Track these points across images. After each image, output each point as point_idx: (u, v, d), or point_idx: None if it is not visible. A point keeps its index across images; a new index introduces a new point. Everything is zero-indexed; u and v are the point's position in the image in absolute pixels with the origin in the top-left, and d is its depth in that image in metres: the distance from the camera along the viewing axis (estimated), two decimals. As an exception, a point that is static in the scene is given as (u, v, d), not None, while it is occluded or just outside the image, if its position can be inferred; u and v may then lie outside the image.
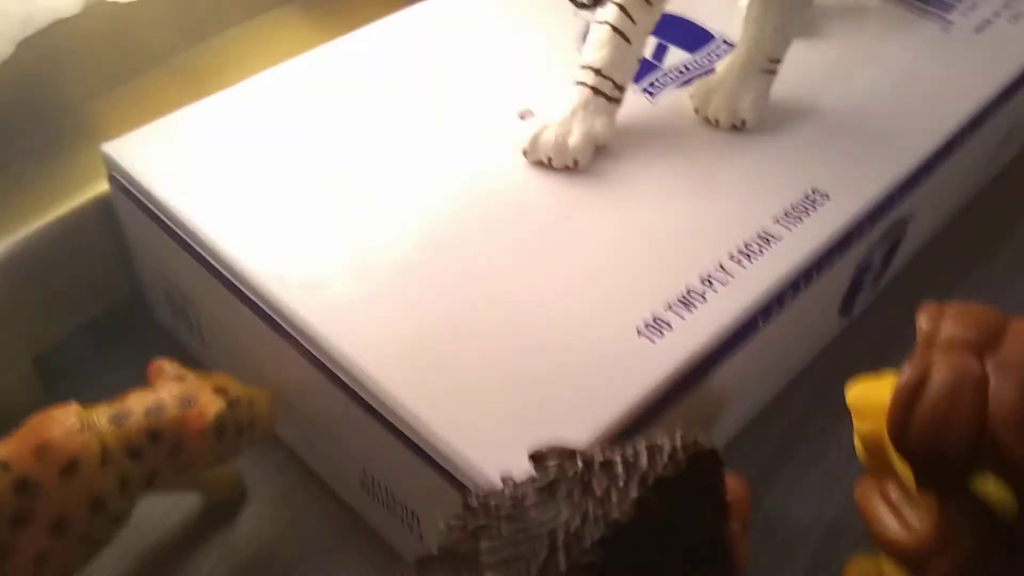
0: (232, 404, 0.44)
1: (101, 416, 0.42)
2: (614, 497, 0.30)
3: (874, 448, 0.38)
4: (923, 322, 0.37)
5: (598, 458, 0.32)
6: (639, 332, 0.43)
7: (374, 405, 0.42)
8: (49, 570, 0.40)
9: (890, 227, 0.55)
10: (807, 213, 0.49)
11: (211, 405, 0.43)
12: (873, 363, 0.39)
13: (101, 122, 0.56)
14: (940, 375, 0.34)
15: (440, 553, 0.31)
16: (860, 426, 0.38)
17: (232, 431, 0.44)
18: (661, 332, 0.43)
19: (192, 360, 0.55)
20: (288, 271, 0.45)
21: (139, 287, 0.58)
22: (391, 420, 0.41)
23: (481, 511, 0.31)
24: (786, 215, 0.49)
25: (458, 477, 0.39)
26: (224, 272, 0.47)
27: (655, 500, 0.30)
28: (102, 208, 0.54)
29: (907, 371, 0.35)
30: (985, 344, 0.35)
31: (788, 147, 0.53)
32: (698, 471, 0.32)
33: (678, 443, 0.31)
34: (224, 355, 0.53)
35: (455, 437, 0.39)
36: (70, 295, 0.55)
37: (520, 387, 0.41)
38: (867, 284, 0.58)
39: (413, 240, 0.47)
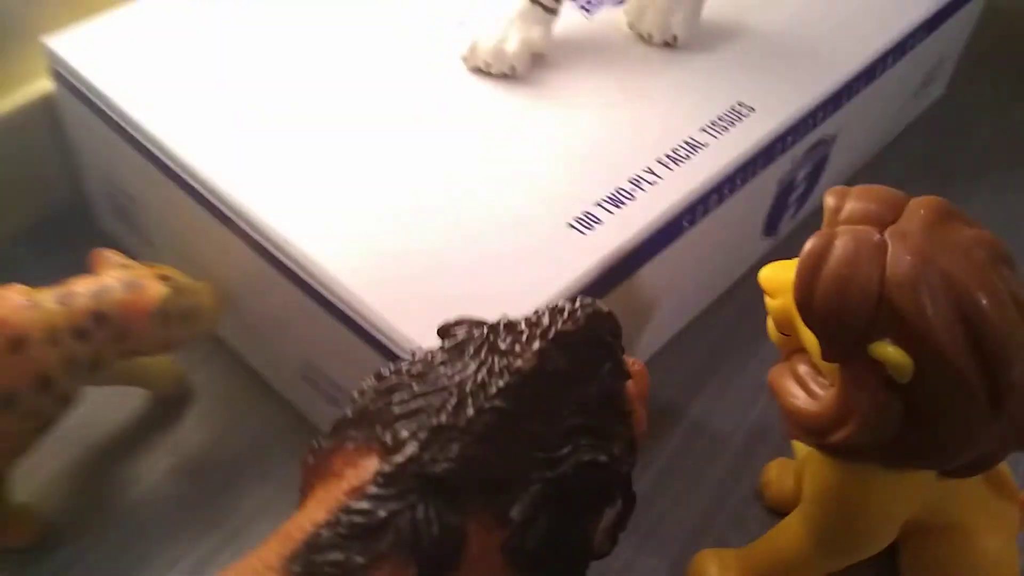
0: (177, 291, 0.46)
1: (47, 297, 0.43)
2: (517, 350, 0.32)
3: (784, 324, 0.40)
4: (829, 200, 0.39)
5: (503, 321, 0.34)
6: (570, 225, 0.46)
7: (319, 290, 0.43)
8: None
9: (813, 146, 0.57)
10: (733, 124, 0.51)
11: (156, 290, 0.44)
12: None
13: (42, 15, 0.55)
14: (842, 242, 0.36)
15: (353, 415, 0.32)
16: (771, 303, 0.41)
17: (176, 318, 0.46)
18: (591, 226, 0.46)
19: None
20: (234, 165, 0.47)
21: (82, 191, 0.59)
22: (335, 304, 0.43)
23: (392, 375, 0.33)
24: (713, 125, 0.51)
25: (396, 352, 0.41)
26: (172, 167, 0.48)
27: (556, 353, 0.32)
28: (43, 108, 0.54)
29: (812, 240, 0.37)
30: (885, 217, 0.37)
31: (717, 62, 0.55)
32: (596, 330, 0.34)
33: (577, 304, 0.34)
34: (169, 256, 0.53)
35: (396, 318, 0.41)
36: (9, 199, 0.55)
37: (459, 273, 0.44)
38: (791, 204, 0.61)
39: (356, 137, 0.49)
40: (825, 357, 0.37)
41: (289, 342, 0.48)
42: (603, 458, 0.32)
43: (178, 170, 0.47)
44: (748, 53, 0.57)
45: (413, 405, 0.31)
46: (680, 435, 0.54)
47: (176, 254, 0.53)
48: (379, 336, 0.42)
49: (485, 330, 0.33)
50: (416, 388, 0.32)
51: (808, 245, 0.36)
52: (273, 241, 0.44)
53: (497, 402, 0.31)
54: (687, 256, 0.51)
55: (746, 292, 0.60)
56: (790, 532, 0.44)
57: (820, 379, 0.39)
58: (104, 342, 0.43)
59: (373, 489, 0.29)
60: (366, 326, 0.42)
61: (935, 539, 0.44)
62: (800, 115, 0.53)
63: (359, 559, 0.28)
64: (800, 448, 0.44)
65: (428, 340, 0.39)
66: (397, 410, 0.31)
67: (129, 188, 0.53)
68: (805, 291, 0.36)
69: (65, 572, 0.46)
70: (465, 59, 0.53)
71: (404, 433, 0.30)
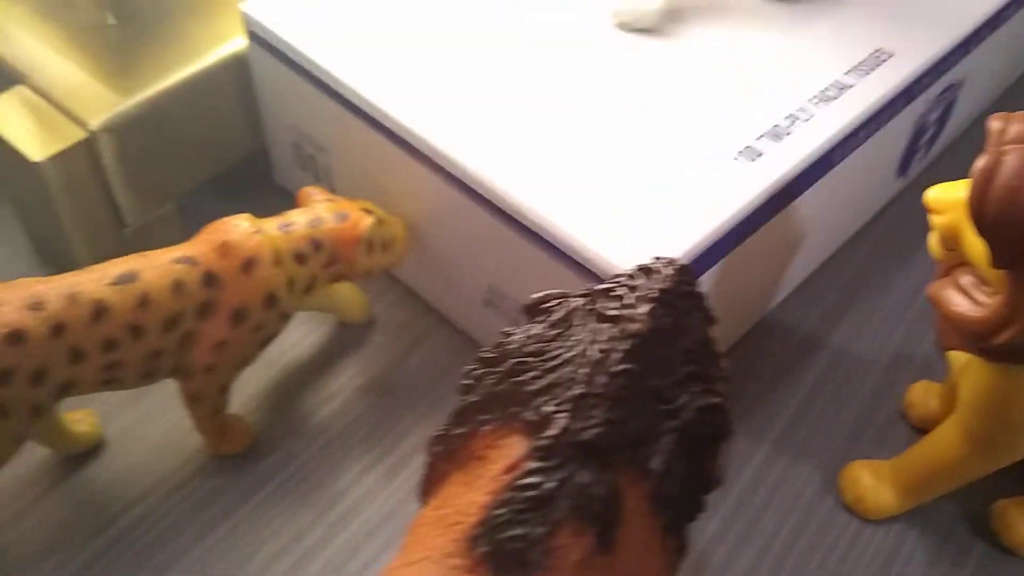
0: (379, 221, 0.51)
1: (271, 224, 0.48)
2: (628, 314, 0.35)
3: (949, 239, 0.44)
4: (994, 124, 0.42)
5: (598, 289, 0.37)
6: (735, 158, 0.50)
7: (512, 215, 0.48)
8: (226, 357, 0.47)
9: (944, 89, 0.60)
10: (874, 68, 0.55)
11: (363, 219, 0.50)
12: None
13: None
14: (1010, 158, 0.40)
15: (480, 399, 0.35)
16: (937, 220, 0.44)
17: (378, 245, 0.51)
18: (754, 159, 0.50)
19: None
20: (422, 105, 0.52)
21: (262, 145, 0.64)
22: (528, 225, 0.48)
23: (505, 357, 0.36)
24: (856, 68, 0.55)
25: (589, 268, 0.46)
26: (365, 110, 0.53)
27: (661, 311, 0.35)
28: (232, 68, 0.59)
29: (982, 158, 0.40)
30: (1050, 137, 0.41)
31: (854, 11, 0.58)
32: (686, 284, 0.37)
33: (665, 262, 0.37)
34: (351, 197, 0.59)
35: (583, 233, 0.46)
36: (197, 152, 0.61)
37: (636, 196, 0.48)
38: (922, 146, 0.64)
39: (539, 73, 0.54)
40: (995, 264, 0.41)
41: (475, 269, 0.53)
42: (715, 400, 0.35)
43: (370, 112, 0.52)
44: (881, 2, 0.60)
45: (546, 381, 0.34)
46: (822, 363, 0.57)
47: (358, 195, 0.57)
48: (568, 251, 0.46)
49: (584, 301, 0.36)
50: (541, 365, 0.34)
51: (980, 162, 0.40)
52: (464, 170, 0.49)
53: (624, 365, 0.34)
54: (833, 191, 0.55)
55: (879, 231, 0.64)
56: (944, 438, 0.48)
57: (984, 288, 0.43)
58: (318, 266, 0.49)
59: (534, 464, 0.32)
60: (556, 243, 0.47)
61: None
62: (935, 60, 0.57)
63: (540, 529, 0.31)
64: (957, 358, 0.47)
65: (612, 251, 0.45)
66: (531, 387, 0.34)
67: (319, 137, 0.57)
68: (979, 201, 0.40)
69: (272, 477, 0.51)
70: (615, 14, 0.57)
71: (549, 408, 0.33)
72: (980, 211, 0.41)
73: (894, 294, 0.61)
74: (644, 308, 0.35)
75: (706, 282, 0.49)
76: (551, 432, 0.32)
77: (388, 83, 0.52)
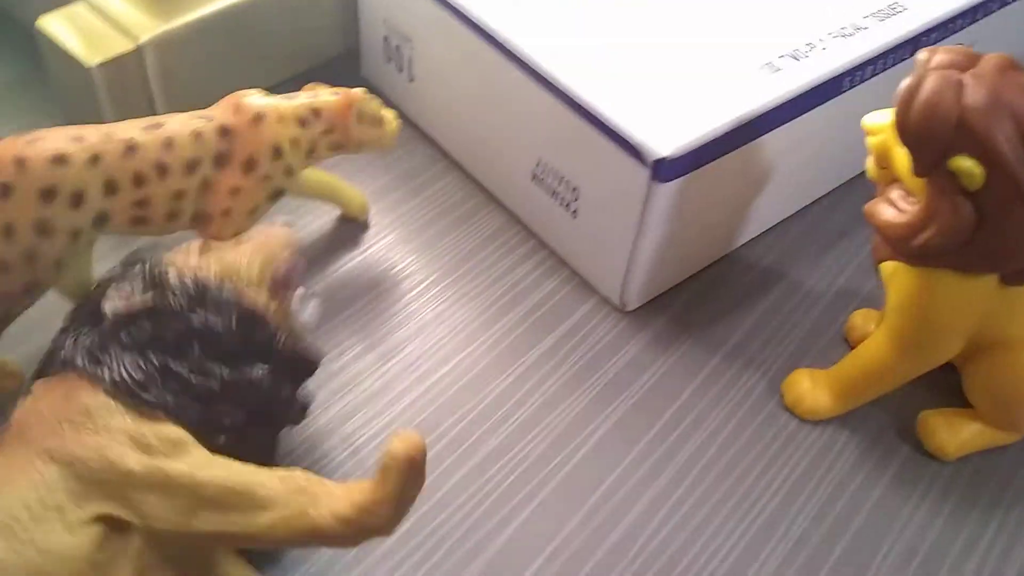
0: (368, 98, 0.58)
1: (277, 96, 0.55)
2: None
3: (881, 157, 0.50)
4: (920, 55, 0.48)
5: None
6: (759, 68, 0.57)
7: (571, 96, 0.56)
8: (239, 203, 0.53)
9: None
10: (889, 16, 0.61)
11: (354, 92, 0.57)
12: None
13: None
14: (930, 80, 0.46)
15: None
16: (872, 141, 0.50)
17: (368, 119, 0.58)
18: (773, 72, 0.57)
19: (388, 102, 0.70)
20: (497, 3, 0.60)
21: (352, 42, 0.73)
22: (578, 103, 0.55)
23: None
24: (872, 15, 0.61)
25: (629, 140, 0.53)
26: (447, 1, 0.61)
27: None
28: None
29: (907, 79, 0.46)
30: (964, 66, 0.47)
31: None
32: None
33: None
34: (427, 86, 0.68)
35: (622, 112, 0.54)
36: (291, 49, 0.69)
37: (670, 87, 0.56)
38: None
39: None
40: (916, 172, 0.46)
41: (527, 144, 0.61)
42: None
43: (453, 4, 0.61)
44: None
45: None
46: (778, 292, 0.63)
47: (433, 84, 0.67)
48: (615, 128, 0.54)
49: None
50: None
51: (904, 83, 0.46)
52: (528, 56, 0.57)
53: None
54: (836, 118, 0.61)
55: (839, 195, 0.69)
56: (874, 343, 0.53)
57: (909, 199, 0.49)
58: (317, 132, 0.55)
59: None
60: (604, 120, 0.54)
61: (993, 355, 0.51)
62: (945, 18, 0.62)
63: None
64: (886, 269, 0.53)
65: (652, 131, 0.52)
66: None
67: (406, 28, 0.66)
68: (903, 115, 0.46)
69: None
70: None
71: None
72: (904, 124, 0.46)
73: (848, 239, 0.66)
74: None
75: (709, 173, 0.55)
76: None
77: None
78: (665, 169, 0.53)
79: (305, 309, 0.51)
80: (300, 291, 0.51)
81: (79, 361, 0.43)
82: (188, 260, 0.47)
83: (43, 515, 0.38)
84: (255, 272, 0.48)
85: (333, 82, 0.63)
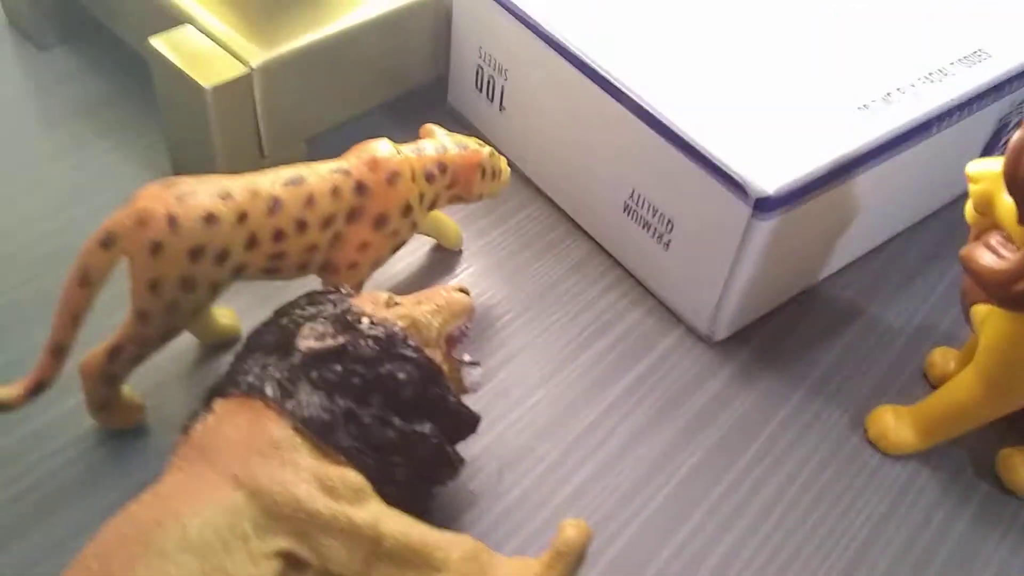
0: (491, 153, 0.60)
1: (407, 148, 0.57)
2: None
3: (982, 204, 0.51)
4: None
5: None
6: (856, 109, 0.58)
7: (672, 128, 0.57)
8: (367, 256, 0.55)
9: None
10: (974, 64, 0.63)
11: (480, 148, 0.59)
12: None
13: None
14: None
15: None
16: (974, 189, 0.51)
17: (489, 173, 0.60)
18: (867, 113, 0.58)
19: (473, 130, 0.73)
20: (596, 37, 0.62)
21: (443, 72, 0.75)
22: (678, 135, 0.57)
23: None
24: (959, 61, 0.63)
25: (733, 176, 0.54)
26: (545, 34, 0.63)
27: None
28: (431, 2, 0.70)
29: (1019, 132, 0.48)
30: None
31: (968, 9, 0.67)
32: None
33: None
34: (517, 116, 0.69)
35: (729, 149, 0.55)
36: (385, 77, 0.71)
37: (776, 123, 0.57)
38: (1002, 144, 0.71)
39: (693, 18, 0.64)
40: (1021, 220, 0.48)
41: (622, 175, 0.62)
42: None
43: (552, 37, 0.62)
44: (989, 10, 0.68)
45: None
46: (858, 327, 0.64)
47: (526, 114, 0.68)
48: (715, 161, 0.55)
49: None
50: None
51: (1017, 135, 0.47)
52: (627, 87, 0.59)
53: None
54: (924, 159, 0.62)
55: (917, 232, 0.71)
56: (963, 381, 0.54)
57: (1009, 245, 0.50)
58: (442, 186, 0.57)
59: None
60: (705, 154, 0.55)
61: None
62: None
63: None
64: (979, 312, 0.54)
65: (752, 167, 0.54)
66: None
67: (501, 58, 0.68)
68: (1012, 166, 0.47)
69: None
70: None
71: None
72: (1013, 174, 0.48)
73: (931, 273, 0.68)
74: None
75: (805, 210, 0.57)
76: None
77: (566, 12, 0.63)
78: (767, 205, 0.54)
79: (472, 373, 0.52)
80: (467, 355, 0.52)
81: (268, 391, 0.44)
82: (377, 310, 0.48)
83: (231, 542, 0.39)
84: (434, 331, 0.49)
85: (421, 110, 0.65)
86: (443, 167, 0.56)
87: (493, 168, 0.59)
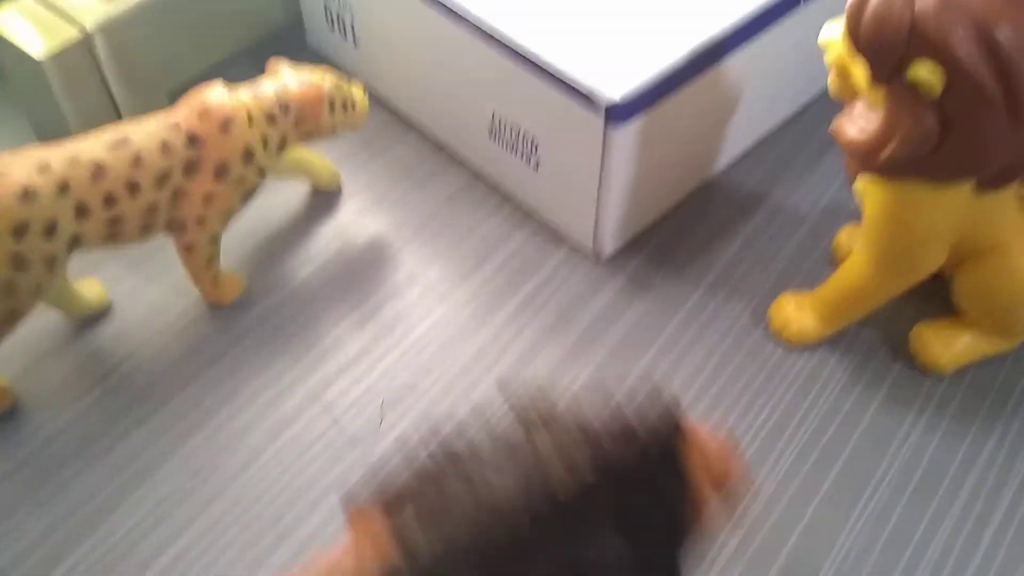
0: (337, 84, 0.56)
1: (243, 91, 0.54)
2: (555, 469, 0.33)
3: (840, 70, 0.47)
4: (871, -43, 0.46)
5: (565, 430, 0.34)
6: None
7: (517, 50, 0.53)
8: (213, 209, 0.53)
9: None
10: None
11: (323, 82, 0.55)
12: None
13: None
14: None
15: (399, 488, 0.34)
16: (829, 57, 0.48)
17: (339, 105, 0.56)
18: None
19: (337, 68, 0.68)
20: None
21: (296, 13, 0.71)
22: (528, 57, 0.53)
23: (445, 459, 0.34)
24: None
25: (581, 91, 0.51)
26: None
27: (598, 479, 0.33)
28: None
29: (856, -12, 0.45)
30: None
31: None
32: (653, 458, 0.34)
33: (643, 432, 0.34)
34: (373, 51, 0.65)
35: (575, 62, 0.52)
36: (234, 25, 0.68)
37: (625, 30, 0.53)
38: None
39: None
40: (873, 80, 0.44)
41: (480, 102, 0.59)
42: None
43: None
44: None
45: (438, 504, 0.33)
46: (761, 216, 0.61)
47: (380, 50, 0.65)
48: (563, 78, 0.51)
49: (533, 426, 0.34)
50: (447, 486, 0.33)
51: None
52: (466, 10, 0.55)
53: (520, 530, 0.32)
54: (803, 31, 0.57)
55: (821, 108, 0.67)
56: (853, 261, 0.51)
57: (871, 114, 0.46)
58: (287, 125, 0.54)
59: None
60: (553, 72, 0.52)
61: (980, 262, 0.49)
62: None
63: None
64: (859, 185, 0.51)
65: (599, 79, 0.50)
66: (425, 502, 0.33)
67: None
68: (854, 24, 0.43)
69: (261, 325, 0.57)
70: None
71: (417, 537, 0.32)
72: (855, 35, 0.44)
73: (830, 155, 0.64)
74: (581, 470, 0.33)
75: (670, 108, 0.53)
76: (401, 563, 0.32)
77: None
78: (620, 112, 0.51)
79: None
80: None
81: None
82: None
83: None
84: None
85: (282, 53, 0.62)
86: (285, 106, 0.53)
87: (344, 99, 0.56)
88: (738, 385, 0.53)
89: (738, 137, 0.62)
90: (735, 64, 0.56)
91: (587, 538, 0.33)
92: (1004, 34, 0.41)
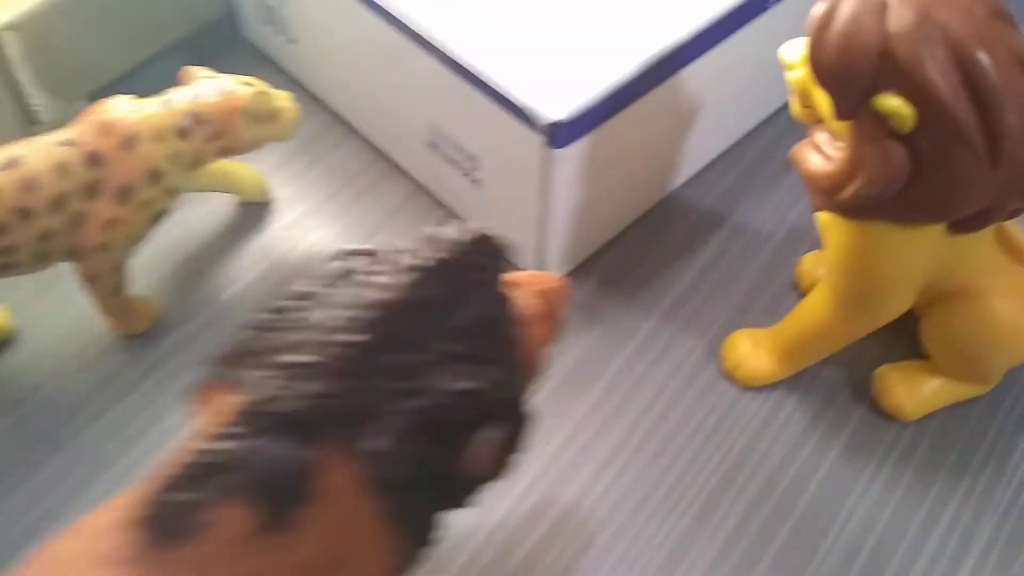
0: (260, 93, 0.51)
1: (152, 103, 0.49)
2: (385, 281, 0.32)
3: (803, 95, 0.43)
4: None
5: (381, 251, 0.34)
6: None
7: (455, 60, 0.49)
8: (117, 235, 0.48)
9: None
10: None
11: (242, 91, 0.50)
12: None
13: None
14: (847, 3, 0.39)
15: (232, 351, 0.33)
16: (791, 77, 0.43)
17: (264, 116, 0.51)
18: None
19: (274, 65, 0.64)
20: None
21: (231, 4, 0.65)
22: (466, 69, 0.48)
23: (274, 312, 0.33)
24: None
25: (520, 109, 0.46)
26: None
27: (426, 282, 0.32)
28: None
29: (819, 3, 0.39)
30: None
31: None
32: (473, 256, 0.34)
33: (453, 231, 0.34)
34: (310, 48, 0.60)
35: (517, 77, 0.47)
36: (167, 16, 0.63)
37: (572, 45, 0.48)
38: None
39: None
40: (837, 114, 0.40)
41: (417, 111, 0.54)
42: (473, 385, 0.32)
43: None
44: None
45: (277, 342, 0.31)
46: (720, 237, 0.57)
47: (316, 46, 0.60)
48: (504, 93, 0.47)
49: (357, 261, 0.33)
50: (285, 325, 0.32)
51: (816, 8, 0.39)
52: (414, 21, 0.50)
53: (358, 336, 0.31)
54: (765, 39, 0.53)
55: (787, 118, 0.61)
56: (814, 300, 0.47)
57: (836, 144, 0.42)
58: (201, 140, 0.49)
59: (230, 428, 0.30)
60: (493, 86, 0.47)
61: (951, 305, 0.46)
62: None
63: (198, 496, 0.29)
64: (821, 219, 0.47)
65: (540, 96, 0.46)
66: (263, 348, 0.31)
67: None
68: (816, 49, 0.39)
69: (176, 355, 0.52)
70: None
71: (262, 372, 0.31)
72: (818, 60, 0.39)
73: (794, 174, 0.59)
74: (400, 278, 0.32)
75: (618, 126, 0.49)
76: (253, 398, 0.30)
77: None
78: (562, 132, 0.46)
79: None
80: None
81: None
82: None
83: None
84: None
85: (216, 47, 0.58)
86: (199, 118, 0.48)
87: (267, 110, 0.51)
88: (688, 428, 0.49)
89: (697, 152, 0.58)
90: (691, 76, 0.51)
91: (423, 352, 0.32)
92: (985, 62, 0.37)
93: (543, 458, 0.48)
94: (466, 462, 0.32)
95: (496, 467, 0.34)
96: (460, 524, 0.46)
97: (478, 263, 0.34)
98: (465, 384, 0.31)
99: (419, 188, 0.59)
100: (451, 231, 0.34)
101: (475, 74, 0.48)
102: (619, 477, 0.48)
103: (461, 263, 0.33)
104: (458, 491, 0.34)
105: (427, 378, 0.31)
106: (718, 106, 0.56)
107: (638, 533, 0.46)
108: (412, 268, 0.32)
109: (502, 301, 0.34)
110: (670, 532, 0.46)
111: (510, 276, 0.36)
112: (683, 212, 0.58)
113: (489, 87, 0.48)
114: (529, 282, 0.36)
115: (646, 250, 0.56)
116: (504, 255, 0.35)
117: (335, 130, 0.62)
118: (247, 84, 0.50)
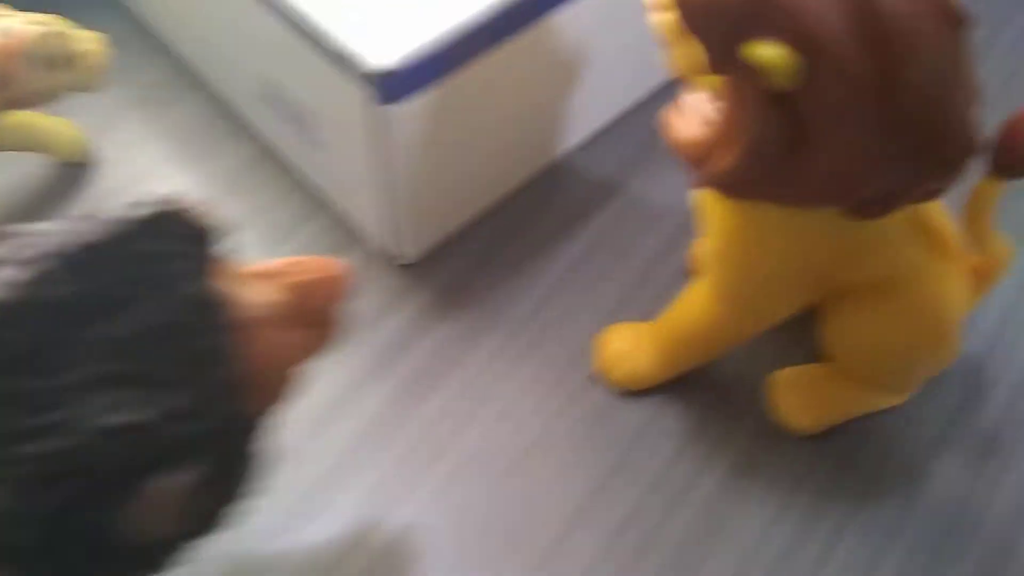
0: (54, 34, 0.43)
1: None
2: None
3: (673, 43, 0.36)
4: None
5: (18, 232, 0.26)
6: None
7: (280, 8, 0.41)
8: None
9: None
10: None
11: (28, 31, 0.42)
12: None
13: None
14: None
15: None
16: (656, 21, 0.36)
17: (57, 61, 0.43)
18: None
19: (122, 7, 0.56)
20: None
21: None
22: (283, 11, 0.40)
23: None
24: None
25: (341, 53, 0.39)
26: None
27: (59, 276, 0.25)
28: None
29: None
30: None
31: None
32: (140, 242, 0.26)
33: (124, 211, 0.27)
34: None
35: (342, 23, 0.39)
36: None
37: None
38: None
39: None
40: (710, 67, 0.33)
41: (249, 61, 0.47)
42: (132, 418, 0.24)
43: None
44: None
45: None
46: (613, 210, 0.49)
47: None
48: (323, 40, 0.39)
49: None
50: None
51: None
52: None
53: None
54: (626, 3, 0.45)
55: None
56: (695, 295, 0.40)
57: (710, 108, 0.34)
58: None
59: None
60: (310, 31, 0.40)
61: (859, 301, 0.38)
62: None
63: None
64: (699, 199, 0.39)
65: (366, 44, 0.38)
66: None
67: None
68: None
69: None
70: None
71: None
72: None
73: None
74: (24, 271, 0.24)
75: (470, 80, 0.41)
76: None
77: None
78: (396, 84, 0.38)
79: None
80: None
81: None
82: None
83: None
84: None
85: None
86: None
87: (62, 54, 0.43)
88: (550, 439, 0.42)
89: (588, 115, 0.50)
90: (566, 23, 0.43)
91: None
92: (888, 2, 0.29)
93: (383, 471, 0.41)
94: (134, 520, 0.25)
95: (191, 522, 0.26)
96: (264, 549, 0.39)
97: (154, 250, 0.26)
98: (120, 417, 0.24)
99: (266, 150, 0.51)
100: (122, 206, 0.26)
101: (292, 17, 0.40)
102: (461, 499, 0.41)
103: (125, 251, 0.25)
104: (135, 557, 0.26)
105: (64, 411, 0.23)
106: (606, 60, 0.48)
107: (482, 565, 0.39)
108: (45, 257, 0.24)
109: (200, 301, 0.27)
110: (520, 566, 0.39)
111: (253, 265, 0.29)
112: (572, 181, 0.50)
113: (307, 31, 0.40)
114: (281, 272, 0.29)
115: (526, 225, 0.49)
116: (206, 238, 0.28)
117: (179, 81, 0.54)
118: (39, 24, 0.42)
